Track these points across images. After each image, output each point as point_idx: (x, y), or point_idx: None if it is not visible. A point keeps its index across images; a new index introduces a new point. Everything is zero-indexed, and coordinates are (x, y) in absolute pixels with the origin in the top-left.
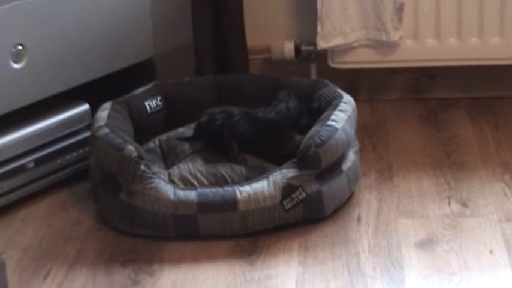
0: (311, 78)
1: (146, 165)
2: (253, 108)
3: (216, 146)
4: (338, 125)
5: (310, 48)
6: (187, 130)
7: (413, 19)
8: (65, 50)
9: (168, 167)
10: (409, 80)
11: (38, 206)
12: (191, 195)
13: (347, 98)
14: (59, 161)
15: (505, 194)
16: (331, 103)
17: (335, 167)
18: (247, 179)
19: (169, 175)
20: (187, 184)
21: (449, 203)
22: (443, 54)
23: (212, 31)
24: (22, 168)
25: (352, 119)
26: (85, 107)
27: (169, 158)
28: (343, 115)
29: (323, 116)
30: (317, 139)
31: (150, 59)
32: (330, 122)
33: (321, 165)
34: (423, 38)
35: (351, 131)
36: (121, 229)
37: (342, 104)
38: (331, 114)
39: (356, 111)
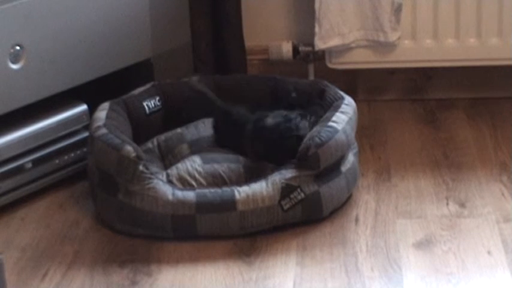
0: (309, 79)
1: (144, 166)
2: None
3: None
4: (339, 126)
5: (308, 48)
6: (185, 130)
7: (411, 20)
8: (63, 50)
9: (166, 167)
10: (407, 81)
11: (36, 207)
12: (189, 195)
13: (348, 99)
14: (57, 161)
15: (503, 194)
16: (333, 104)
17: (334, 168)
18: (246, 180)
19: (168, 175)
20: (186, 184)
21: (447, 204)
22: (441, 55)
23: (210, 31)
24: (20, 169)
25: (353, 120)
26: (83, 107)
27: (167, 158)
28: (344, 117)
29: (324, 117)
30: (317, 139)
31: (149, 59)
32: (330, 123)
33: (320, 166)
34: (421, 38)
35: (352, 133)
36: (119, 229)
37: (343, 106)
38: (333, 115)
39: (357, 113)
